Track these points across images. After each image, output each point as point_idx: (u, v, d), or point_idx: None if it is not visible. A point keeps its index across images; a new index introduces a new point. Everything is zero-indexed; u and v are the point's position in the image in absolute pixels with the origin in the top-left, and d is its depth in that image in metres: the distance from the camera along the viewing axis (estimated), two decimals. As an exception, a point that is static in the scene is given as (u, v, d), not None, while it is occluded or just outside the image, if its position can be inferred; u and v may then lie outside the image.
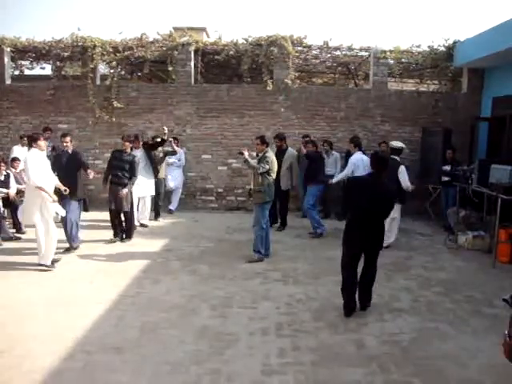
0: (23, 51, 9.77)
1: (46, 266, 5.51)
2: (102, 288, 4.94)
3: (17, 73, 10.23)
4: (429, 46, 9.54)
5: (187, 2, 39.26)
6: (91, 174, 6.27)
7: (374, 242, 4.35)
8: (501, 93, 8.43)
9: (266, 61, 9.19)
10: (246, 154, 6.03)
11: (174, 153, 8.26)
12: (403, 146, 7.03)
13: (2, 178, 7.24)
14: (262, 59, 9.15)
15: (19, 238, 6.95)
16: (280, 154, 7.52)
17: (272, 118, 9.41)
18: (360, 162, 7.12)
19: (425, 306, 4.64)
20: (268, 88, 9.15)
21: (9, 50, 9.44)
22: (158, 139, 7.81)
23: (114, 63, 9.51)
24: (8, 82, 9.55)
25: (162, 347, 3.66)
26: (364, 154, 7.60)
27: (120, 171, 6.76)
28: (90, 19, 34.89)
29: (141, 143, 7.78)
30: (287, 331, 4.01)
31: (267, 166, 5.93)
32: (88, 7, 38.19)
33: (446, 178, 8.01)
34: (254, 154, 6.61)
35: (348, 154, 8.21)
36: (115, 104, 9.21)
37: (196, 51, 9.42)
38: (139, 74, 10.76)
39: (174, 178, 8.95)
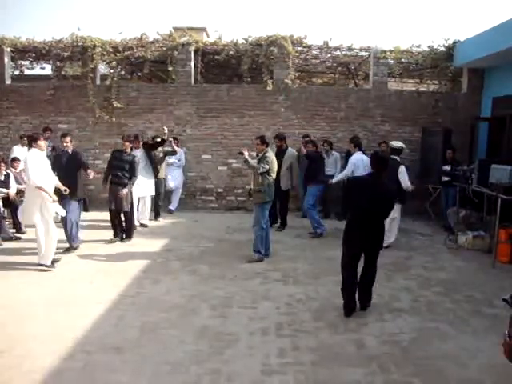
0: (23, 51, 9.77)
1: (46, 266, 5.51)
2: (102, 288, 4.94)
3: (17, 73, 10.23)
4: (429, 46, 9.55)
5: (187, 2, 39.29)
6: (91, 174, 6.27)
7: (374, 242, 4.35)
8: (501, 93, 8.43)
9: (266, 61, 9.19)
10: (246, 153, 6.03)
11: (173, 153, 8.26)
12: (403, 145, 7.03)
13: (2, 178, 7.24)
14: (262, 59, 9.15)
15: (19, 238, 6.95)
16: (280, 154, 7.52)
17: (272, 118, 9.41)
18: (360, 162, 7.12)
19: (425, 306, 4.64)
20: (268, 88, 9.15)
21: (9, 49, 9.44)
22: (158, 139, 7.81)
23: (114, 63, 9.51)
24: (8, 81, 9.55)
25: (161, 347, 3.66)
26: (364, 154, 7.60)
27: (120, 171, 6.76)
28: (90, 19, 34.94)
29: (141, 143, 7.78)
30: (287, 331, 4.01)
31: (267, 166, 5.93)
32: (88, 7, 38.23)
33: (445, 178, 8.01)
34: (255, 154, 6.60)
35: (348, 154, 8.21)
36: (115, 104, 9.21)
37: (196, 51, 9.42)
38: (139, 73, 10.77)
39: (174, 178, 8.95)
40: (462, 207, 7.20)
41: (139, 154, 7.48)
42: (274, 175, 6.10)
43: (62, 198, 5.83)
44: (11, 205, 7.26)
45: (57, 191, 5.70)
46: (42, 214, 5.46)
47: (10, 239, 6.86)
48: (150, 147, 7.81)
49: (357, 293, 4.41)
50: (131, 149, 7.10)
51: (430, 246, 7.05)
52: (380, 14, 38.88)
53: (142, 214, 7.99)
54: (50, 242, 5.51)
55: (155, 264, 5.86)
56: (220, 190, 9.65)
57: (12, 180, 7.33)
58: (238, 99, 9.41)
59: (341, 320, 4.25)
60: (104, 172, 7.12)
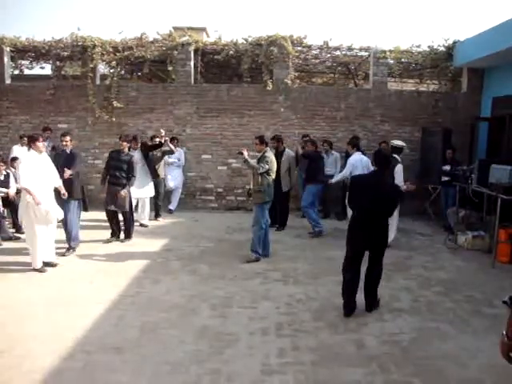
0: (23, 51, 9.76)
1: (35, 268, 5.43)
2: (102, 288, 4.94)
3: (16, 72, 10.22)
4: (429, 46, 9.55)
5: (187, 2, 39.28)
6: (67, 173, 6.05)
7: (377, 241, 4.34)
8: (501, 93, 8.43)
9: (265, 61, 9.19)
10: (246, 153, 6.03)
11: (171, 152, 8.24)
12: (404, 144, 7.04)
13: (2, 178, 7.24)
14: (261, 59, 9.15)
15: (19, 238, 6.94)
16: (277, 156, 7.49)
17: (272, 118, 9.41)
18: (359, 163, 7.10)
19: (425, 306, 4.64)
20: (268, 88, 9.15)
21: (9, 49, 9.43)
22: (157, 140, 7.82)
23: (114, 63, 9.51)
24: (8, 81, 9.54)
25: (162, 347, 3.66)
26: (363, 154, 7.60)
27: (118, 171, 6.76)
28: (90, 19, 34.92)
29: (139, 144, 7.78)
30: (287, 331, 4.01)
31: (267, 166, 5.93)
32: (88, 7, 38.21)
33: (445, 178, 8.00)
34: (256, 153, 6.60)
35: (348, 155, 8.21)
36: (115, 104, 9.21)
37: (196, 51, 9.42)
38: (139, 73, 10.77)
39: (173, 178, 8.95)
40: (461, 207, 7.20)
41: (136, 155, 7.48)
42: (273, 175, 6.10)
43: (60, 200, 5.80)
44: (11, 204, 7.26)
45: (56, 192, 5.69)
46: (29, 215, 5.36)
47: (10, 239, 6.85)
48: (147, 149, 7.81)
49: (358, 293, 4.40)
50: (129, 149, 7.09)
51: (430, 246, 7.05)
52: (380, 13, 38.91)
53: (142, 214, 7.99)
54: (35, 244, 5.38)
55: (155, 264, 5.86)
56: (220, 190, 9.65)
57: (12, 180, 7.32)
58: (238, 99, 9.41)
59: (341, 320, 4.25)
60: (102, 173, 7.12)
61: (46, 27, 33.45)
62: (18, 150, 8.16)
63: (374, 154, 4.59)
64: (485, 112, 9.08)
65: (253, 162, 6.00)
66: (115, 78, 9.31)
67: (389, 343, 3.81)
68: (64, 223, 6.12)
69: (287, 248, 6.75)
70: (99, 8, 37.89)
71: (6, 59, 9.41)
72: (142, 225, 7.90)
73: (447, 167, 8.01)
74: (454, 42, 9.25)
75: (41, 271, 5.43)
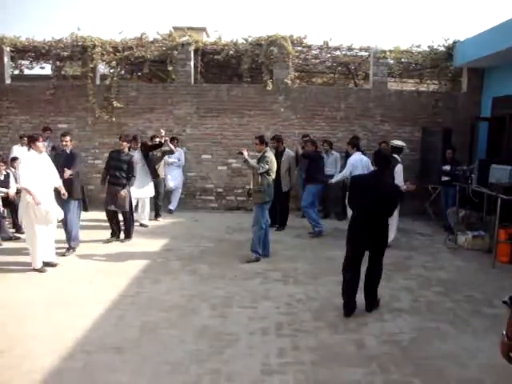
0: (23, 51, 9.76)
1: (35, 268, 5.43)
2: (102, 288, 4.94)
3: (16, 72, 10.22)
4: (429, 46, 9.55)
5: (187, 2, 39.28)
6: (67, 173, 6.07)
7: (377, 241, 4.33)
8: (501, 93, 8.43)
9: (265, 61, 9.19)
10: (246, 153, 6.03)
11: (171, 152, 8.24)
12: (404, 144, 7.04)
13: (2, 178, 7.24)
14: (261, 59, 9.15)
15: (19, 238, 6.94)
16: (277, 156, 7.49)
17: (272, 118, 9.41)
18: (358, 163, 7.10)
19: (425, 306, 4.64)
20: (268, 88, 9.15)
21: (9, 49, 9.43)
22: (157, 140, 7.81)
23: (114, 63, 9.51)
24: (8, 81, 9.54)
25: (161, 347, 3.66)
26: (364, 154, 7.60)
27: (118, 171, 6.76)
28: (90, 19, 34.92)
29: (139, 144, 7.78)
30: (287, 331, 4.01)
31: (267, 166, 5.93)
32: (88, 7, 38.21)
33: (445, 178, 8.01)
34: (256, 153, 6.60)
35: (348, 155, 8.21)
36: (115, 104, 9.21)
37: (196, 51, 9.42)
38: (139, 73, 10.77)
39: (173, 178, 8.95)
40: (461, 207, 7.21)
41: (136, 155, 7.48)
42: (273, 175, 6.10)
43: (60, 200, 5.80)
44: (11, 204, 7.26)
45: (56, 192, 5.69)
46: (29, 215, 5.35)
47: (10, 239, 6.85)
48: (147, 149, 7.81)
49: (358, 293, 4.40)
50: (129, 149, 7.09)
51: (430, 246, 7.05)
52: (380, 13, 38.91)
53: (142, 214, 7.99)
54: (35, 244, 5.37)
55: (155, 264, 5.86)
56: (220, 190, 9.65)
57: (12, 180, 7.32)
58: (238, 99, 9.41)
59: (341, 320, 4.25)
60: (102, 173, 7.12)
61: (46, 27, 33.51)
62: (17, 150, 8.16)
63: (374, 154, 4.59)
64: (485, 112, 9.08)
65: (253, 162, 6.00)
66: (115, 78, 9.31)
67: (389, 343, 3.81)
68: (64, 223, 6.12)
69: (287, 248, 6.75)
70: (99, 8, 37.93)
71: (6, 59, 9.41)
72: (142, 225, 7.90)
73: (447, 167, 8.01)
74: (454, 42, 9.25)
75: (41, 271, 5.42)
